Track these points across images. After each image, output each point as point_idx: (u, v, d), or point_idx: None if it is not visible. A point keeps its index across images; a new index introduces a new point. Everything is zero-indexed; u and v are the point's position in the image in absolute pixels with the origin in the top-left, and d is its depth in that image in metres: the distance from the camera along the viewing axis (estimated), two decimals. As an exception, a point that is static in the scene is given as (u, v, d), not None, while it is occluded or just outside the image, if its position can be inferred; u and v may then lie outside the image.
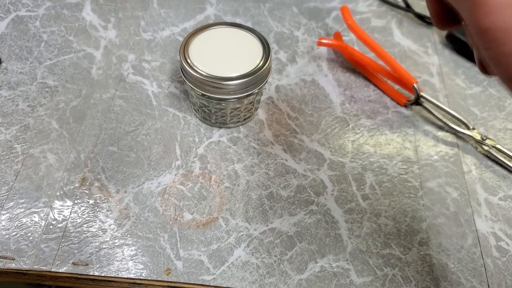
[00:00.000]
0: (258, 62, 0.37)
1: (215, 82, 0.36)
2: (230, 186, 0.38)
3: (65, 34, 0.48)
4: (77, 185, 0.37)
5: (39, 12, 0.50)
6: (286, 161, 0.40)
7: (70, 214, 0.36)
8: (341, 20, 0.50)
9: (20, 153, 0.39)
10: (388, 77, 0.44)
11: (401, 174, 0.39)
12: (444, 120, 0.42)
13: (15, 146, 0.39)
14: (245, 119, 0.42)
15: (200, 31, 0.39)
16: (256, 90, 0.38)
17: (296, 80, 0.45)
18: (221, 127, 0.42)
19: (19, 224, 0.35)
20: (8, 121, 0.41)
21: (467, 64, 0.48)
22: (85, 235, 0.35)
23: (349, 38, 0.49)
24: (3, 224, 0.35)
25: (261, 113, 0.43)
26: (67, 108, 0.42)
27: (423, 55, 0.48)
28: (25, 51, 0.46)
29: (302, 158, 0.40)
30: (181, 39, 0.48)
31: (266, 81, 0.39)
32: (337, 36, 0.47)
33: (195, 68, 0.37)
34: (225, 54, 0.38)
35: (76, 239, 0.35)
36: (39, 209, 0.36)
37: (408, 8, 0.52)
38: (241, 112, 0.40)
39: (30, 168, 0.38)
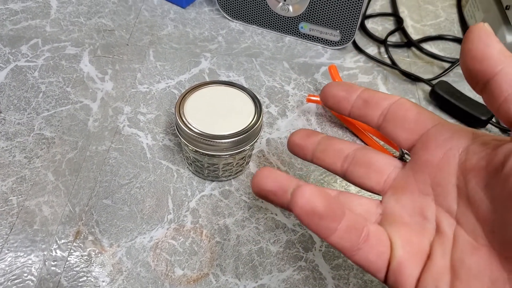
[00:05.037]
0: (250, 120, 0.39)
1: (208, 140, 0.37)
2: (220, 241, 0.39)
3: (63, 85, 0.49)
4: (71, 238, 0.38)
5: (38, 62, 0.52)
6: (276, 215, 0.41)
7: (64, 268, 0.36)
8: (329, 76, 0.53)
9: (15, 205, 0.40)
10: (374, 134, 0.46)
11: (387, 230, 0.40)
12: (427, 176, 0.43)
13: (10, 198, 0.40)
14: (236, 173, 0.43)
15: (195, 89, 0.41)
16: (247, 147, 0.39)
17: (286, 134, 0.47)
18: (213, 180, 0.43)
19: (12, 278, 0.36)
20: (5, 173, 0.42)
21: (450, 121, 0.50)
22: (77, 290, 0.35)
23: (337, 93, 0.51)
24: (-3, 278, 0.36)
25: (252, 167, 0.44)
26: (63, 160, 0.43)
27: (407, 111, 0.50)
28: (23, 102, 0.47)
29: (291, 212, 0.41)
30: (176, 91, 0.50)
31: (257, 139, 0.40)
32: (326, 92, 0.49)
33: (189, 125, 0.38)
34: (218, 112, 0.40)
35: (68, 294, 0.35)
36: (33, 263, 0.36)
37: (394, 65, 0.54)
38: (233, 166, 0.42)
39: (25, 221, 0.39)
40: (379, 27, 0.60)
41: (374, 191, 0.28)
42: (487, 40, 0.21)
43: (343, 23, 0.53)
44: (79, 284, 0.36)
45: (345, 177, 0.29)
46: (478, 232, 0.22)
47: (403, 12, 0.63)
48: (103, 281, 0.36)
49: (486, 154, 0.23)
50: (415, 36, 0.59)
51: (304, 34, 0.56)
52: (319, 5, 0.52)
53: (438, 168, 0.25)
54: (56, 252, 0.37)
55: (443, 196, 0.25)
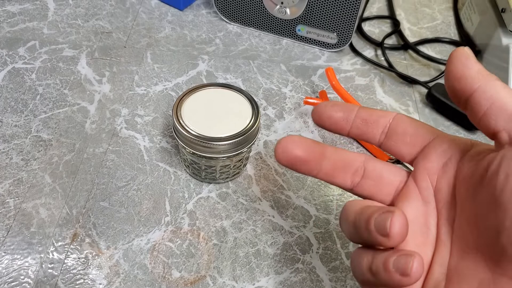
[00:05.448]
0: (247, 123, 0.39)
1: (206, 142, 0.38)
2: (218, 243, 0.39)
3: (60, 87, 0.49)
4: (68, 241, 0.38)
5: (35, 64, 0.52)
6: (273, 217, 0.41)
7: (61, 271, 0.36)
8: (326, 78, 0.53)
9: (12, 207, 0.40)
10: (371, 136, 0.46)
11: (384, 232, 0.41)
12: (424, 179, 0.43)
13: (7, 200, 0.40)
14: (234, 175, 0.43)
15: (192, 91, 0.41)
16: (245, 149, 0.40)
17: (283, 136, 0.47)
18: (210, 183, 0.43)
19: (9, 281, 0.36)
20: (2, 175, 0.42)
21: (447, 123, 0.50)
22: (74, 293, 0.35)
23: (334, 95, 0.51)
24: (-7, 280, 0.36)
25: (249, 169, 0.44)
26: (61, 162, 0.43)
27: (404, 113, 0.50)
28: (21, 104, 0.47)
29: (288, 214, 0.41)
30: (173, 94, 0.50)
31: (255, 141, 0.40)
32: (323, 94, 0.49)
33: (186, 128, 0.38)
34: (216, 115, 0.40)
35: (65, 296, 0.35)
36: (30, 266, 0.36)
37: (390, 67, 0.55)
38: (231, 168, 0.42)
39: (22, 223, 0.39)
40: (376, 29, 0.61)
41: (383, 203, 0.28)
42: (466, 62, 0.23)
43: (340, 26, 0.53)
44: (76, 286, 0.36)
45: (352, 191, 0.28)
46: (468, 237, 0.23)
47: (400, 14, 0.63)
48: (100, 284, 0.36)
49: (476, 163, 0.24)
50: (411, 38, 0.59)
51: (301, 36, 0.56)
52: (316, 8, 0.52)
53: (438, 176, 0.26)
54: (53, 255, 0.37)
55: (442, 203, 0.25)
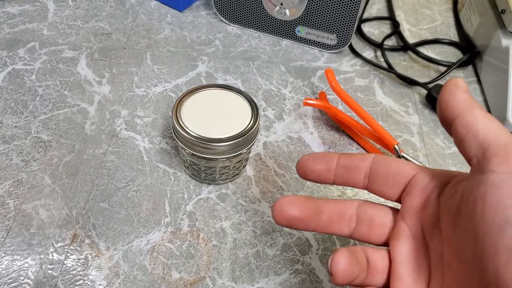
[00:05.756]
0: (247, 124, 0.39)
1: (205, 143, 0.38)
2: (217, 244, 0.39)
3: (60, 89, 0.49)
4: (68, 242, 0.38)
5: (35, 66, 0.52)
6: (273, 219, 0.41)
7: (61, 272, 0.36)
8: (326, 79, 0.53)
9: (12, 208, 0.40)
10: (370, 137, 0.46)
11: (383, 233, 0.41)
12: (424, 180, 0.43)
13: (7, 201, 0.40)
14: (233, 176, 0.43)
15: (192, 92, 0.41)
16: (244, 150, 0.40)
17: (283, 137, 0.47)
18: (210, 184, 0.43)
19: (9, 282, 0.36)
20: (1, 176, 0.42)
21: (446, 124, 0.50)
22: (74, 294, 0.35)
23: (334, 96, 0.51)
24: (-7, 281, 0.36)
25: (249, 170, 0.44)
26: (60, 163, 0.43)
27: (404, 114, 0.50)
28: (21, 105, 0.48)
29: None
30: (173, 95, 0.50)
31: (254, 142, 0.40)
32: (322, 95, 0.49)
33: (186, 129, 0.38)
34: (215, 116, 0.40)
35: (65, 297, 0.35)
36: (29, 267, 0.36)
37: (390, 68, 0.55)
38: (230, 169, 0.42)
39: (22, 224, 0.39)
40: (376, 31, 0.61)
41: (378, 244, 0.29)
42: (454, 91, 0.24)
43: (339, 27, 0.53)
44: (76, 287, 0.36)
45: (351, 237, 0.29)
46: (455, 268, 0.23)
47: (400, 16, 0.63)
48: (100, 285, 0.36)
49: (453, 194, 0.24)
50: (411, 40, 0.60)
51: (300, 37, 0.56)
52: (315, 9, 0.53)
53: (423, 212, 0.26)
54: (52, 256, 0.37)
55: (430, 237, 0.26)
